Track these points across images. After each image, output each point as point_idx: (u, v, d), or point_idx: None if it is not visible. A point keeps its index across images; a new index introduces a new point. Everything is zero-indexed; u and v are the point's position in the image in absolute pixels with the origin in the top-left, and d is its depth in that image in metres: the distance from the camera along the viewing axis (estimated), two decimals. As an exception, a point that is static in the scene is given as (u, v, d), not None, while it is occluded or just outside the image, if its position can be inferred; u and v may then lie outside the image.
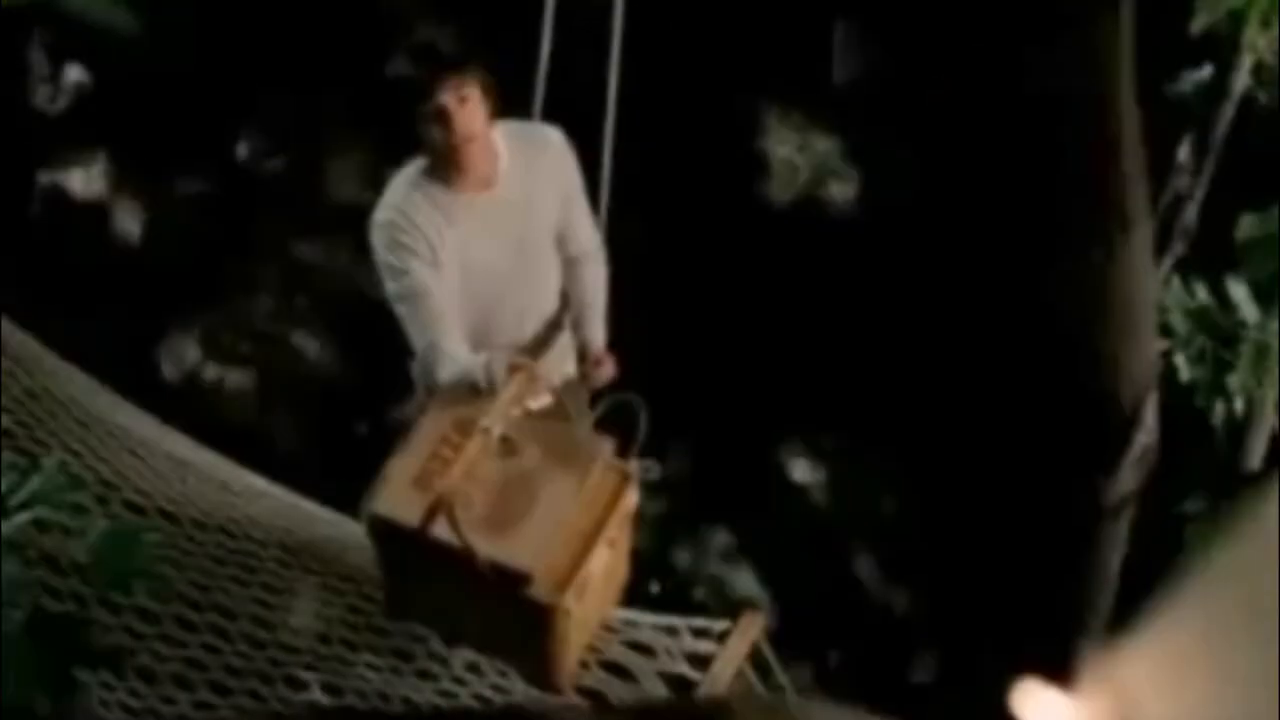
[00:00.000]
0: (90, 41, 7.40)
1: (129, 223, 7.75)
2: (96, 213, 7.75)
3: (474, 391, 4.36)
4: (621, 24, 5.11)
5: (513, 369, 4.36)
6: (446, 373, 4.46)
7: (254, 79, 7.76)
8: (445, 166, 4.48)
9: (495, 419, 4.25)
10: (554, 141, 4.67)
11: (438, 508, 4.15)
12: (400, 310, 4.52)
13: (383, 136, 7.78)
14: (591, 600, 4.46)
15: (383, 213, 4.53)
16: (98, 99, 7.82)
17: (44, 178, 7.77)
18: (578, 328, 4.82)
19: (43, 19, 7.53)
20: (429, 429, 4.40)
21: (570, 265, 4.81)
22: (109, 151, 7.79)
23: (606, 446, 4.44)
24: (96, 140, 7.79)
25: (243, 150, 7.84)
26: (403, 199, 4.51)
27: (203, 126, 7.73)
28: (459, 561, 4.20)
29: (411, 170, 4.55)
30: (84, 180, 7.77)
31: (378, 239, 4.53)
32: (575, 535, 4.35)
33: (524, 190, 4.59)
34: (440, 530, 4.18)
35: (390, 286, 4.52)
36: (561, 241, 4.76)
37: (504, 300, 4.67)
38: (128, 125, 7.75)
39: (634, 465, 4.49)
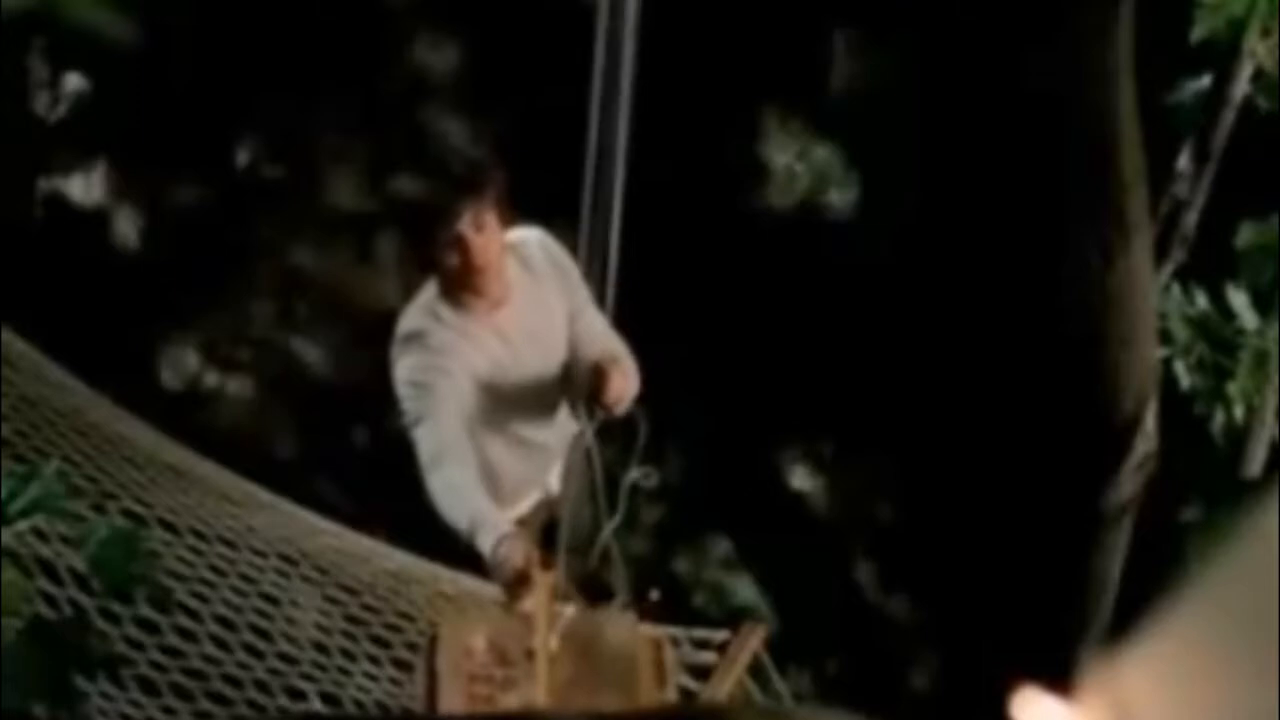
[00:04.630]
0: (89, 49, 7.39)
1: (128, 230, 7.75)
2: (96, 220, 7.74)
3: (480, 607, 4.17)
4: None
5: (534, 561, 4.04)
6: (448, 503, 4.22)
7: (252, 86, 7.76)
8: (459, 290, 4.42)
9: (544, 641, 3.95)
10: (550, 256, 4.60)
11: None
12: (414, 431, 4.36)
13: (381, 143, 7.81)
14: None
15: (401, 342, 4.46)
16: (97, 106, 7.81)
17: (43, 185, 7.77)
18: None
19: (41, 26, 7.52)
20: (453, 664, 4.13)
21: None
22: (108, 159, 7.79)
23: (629, 620, 4.24)
24: (96, 147, 7.79)
25: (241, 157, 7.84)
26: (420, 326, 4.45)
27: (201, 133, 7.73)
28: None
29: (424, 298, 4.50)
30: (83, 187, 7.76)
31: (400, 368, 4.44)
32: None
33: (534, 309, 4.55)
34: None
35: (408, 407, 4.38)
36: (580, 348, 4.62)
37: (523, 426, 4.60)
38: (127, 132, 7.75)
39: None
